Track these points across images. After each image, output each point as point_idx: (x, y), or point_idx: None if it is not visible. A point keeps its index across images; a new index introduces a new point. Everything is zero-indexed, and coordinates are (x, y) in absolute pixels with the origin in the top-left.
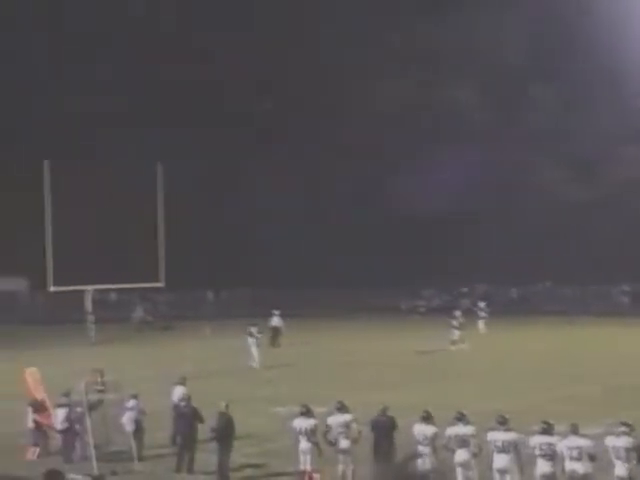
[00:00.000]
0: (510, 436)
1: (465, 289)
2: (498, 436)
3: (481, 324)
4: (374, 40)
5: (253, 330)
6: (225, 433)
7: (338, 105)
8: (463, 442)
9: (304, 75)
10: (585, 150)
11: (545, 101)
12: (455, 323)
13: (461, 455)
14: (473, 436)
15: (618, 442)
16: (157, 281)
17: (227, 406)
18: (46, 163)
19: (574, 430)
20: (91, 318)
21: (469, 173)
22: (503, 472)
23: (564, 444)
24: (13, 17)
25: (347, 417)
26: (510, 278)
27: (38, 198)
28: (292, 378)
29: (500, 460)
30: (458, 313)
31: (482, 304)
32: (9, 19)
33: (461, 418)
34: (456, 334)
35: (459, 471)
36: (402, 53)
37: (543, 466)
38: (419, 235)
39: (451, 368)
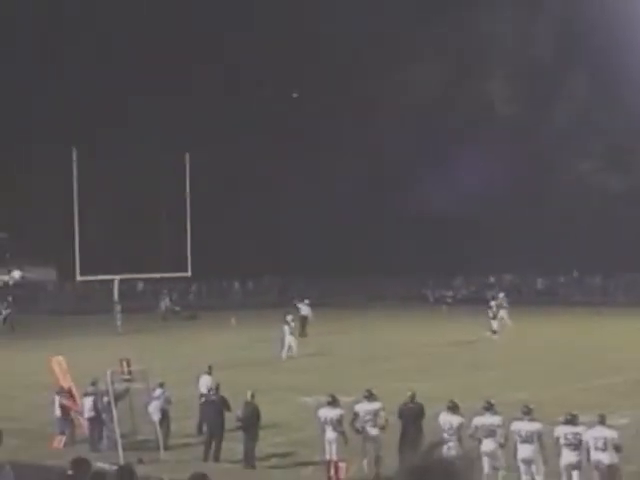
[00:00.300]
0: (534, 426)
1: (492, 280)
2: (522, 426)
3: (504, 315)
4: (399, 35)
5: (289, 319)
6: (251, 422)
7: (366, 100)
8: (490, 432)
9: (325, 70)
10: (617, 140)
11: (576, 92)
12: (491, 314)
13: (488, 445)
14: (500, 426)
15: None
16: (184, 271)
17: (253, 395)
18: (74, 151)
19: (601, 420)
20: (118, 308)
21: (499, 165)
22: (528, 462)
23: (590, 434)
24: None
25: (376, 405)
26: (538, 269)
27: (67, 187)
28: (320, 368)
29: (524, 450)
30: (493, 303)
31: (501, 295)
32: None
33: (489, 408)
34: (494, 324)
35: (485, 460)
36: (429, 48)
37: (568, 456)
38: (448, 226)
39: (478, 358)
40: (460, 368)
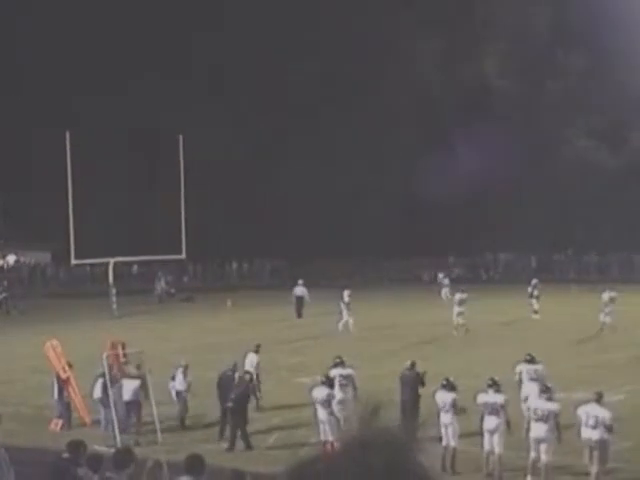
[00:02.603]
0: (552, 406)
1: (490, 257)
2: (539, 405)
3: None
4: (391, 14)
5: (345, 294)
6: (242, 404)
7: (367, 81)
8: (493, 409)
9: (329, 53)
10: (614, 117)
11: (572, 68)
12: (534, 292)
13: (489, 422)
14: (503, 405)
15: None
16: (178, 253)
17: (241, 377)
18: (67, 134)
19: (597, 399)
20: (113, 291)
21: (495, 144)
22: (539, 441)
23: (583, 409)
24: None
25: (348, 370)
26: (535, 247)
27: (61, 170)
28: (318, 348)
29: (538, 429)
30: (534, 282)
31: (440, 275)
32: None
33: (492, 385)
34: (534, 303)
35: (486, 437)
36: (423, 25)
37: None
38: (444, 207)
39: (474, 337)
40: (459, 347)
